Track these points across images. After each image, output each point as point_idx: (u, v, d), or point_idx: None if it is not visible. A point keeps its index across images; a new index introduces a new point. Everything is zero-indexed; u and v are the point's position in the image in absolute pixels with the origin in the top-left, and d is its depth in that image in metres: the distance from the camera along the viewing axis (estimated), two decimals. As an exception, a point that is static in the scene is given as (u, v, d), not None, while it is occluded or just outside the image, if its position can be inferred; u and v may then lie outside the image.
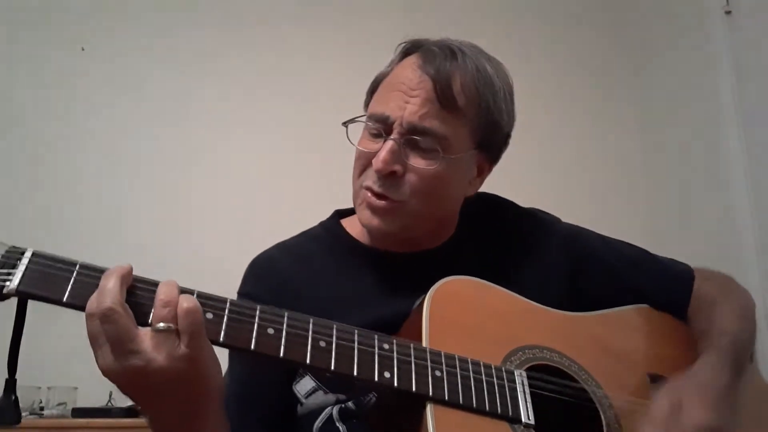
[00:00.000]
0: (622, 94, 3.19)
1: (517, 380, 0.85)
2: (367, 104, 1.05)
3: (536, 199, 1.21)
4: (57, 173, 2.71)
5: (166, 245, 2.63)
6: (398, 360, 0.79)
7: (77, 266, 0.70)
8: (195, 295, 0.72)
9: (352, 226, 1.09)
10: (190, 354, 0.69)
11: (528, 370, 0.88)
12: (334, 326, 0.78)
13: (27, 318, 0.72)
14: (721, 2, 2.59)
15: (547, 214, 1.17)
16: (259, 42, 2.97)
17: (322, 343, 0.76)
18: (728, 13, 2.57)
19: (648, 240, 1.28)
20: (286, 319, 0.76)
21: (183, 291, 0.72)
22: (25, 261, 0.69)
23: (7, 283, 0.67)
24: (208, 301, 0.73)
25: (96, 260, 0.72)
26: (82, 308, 0.68)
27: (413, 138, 0.95)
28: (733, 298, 1.08)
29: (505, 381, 0.84)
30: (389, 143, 0.95)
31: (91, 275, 0.70)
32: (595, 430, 0.89)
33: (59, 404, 2.35)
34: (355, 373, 0.76)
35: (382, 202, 0.96)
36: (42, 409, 2.33)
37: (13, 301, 0.69)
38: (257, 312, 0.75)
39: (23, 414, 2.19)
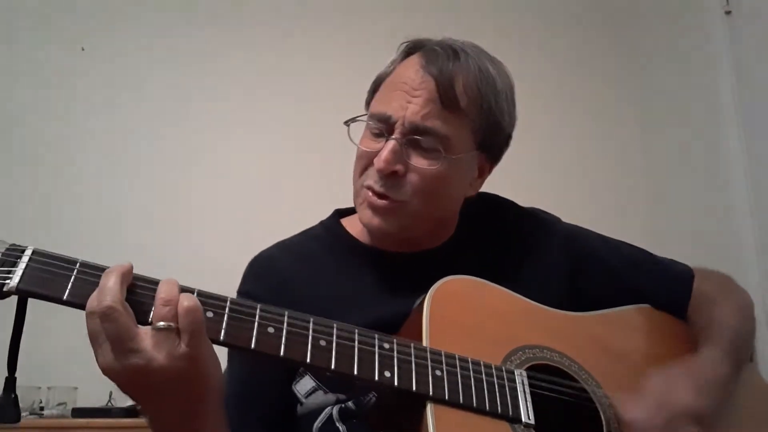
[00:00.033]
0: (622, 94, 3.19)
1: (518, 380, 0.85)
2: (368, 103, 1.05)
3: (536, 199, 1.21)
4: (57, 173, 2.71)
5: (166, 245, 2.63)
6: (398, 359, 0.79)
7: (77, 264, 0.70)
8: (195, 294, 0.72)
9: (352, 225, 1.09)
10: (190, 353, 0.69)
11: (528, 369, 0.88)
12: (335, 325, 0.78)
13: (27, 317, 0.72)
14: (721, 2, 2.59)
15: (548, 214, 1.17)
16: (259, 42, 2.97)
17: (323, 342, 0.76)
18: (728, 13, 2.58)
19: (648, 240, 1.28)
20: (286, 318, 0.76)
21: (183, 290, 0.72)
22: (25, 259, 0.69)
23: (7, 281, 0.67)
24: (208, 299, 0.73)
25: (96, 259, 0.72)
26: (82, 307, 0.68)
27: (415, 138, 0.95)
28: (732, 296, 1.08)
29: (506, 380, 0.84)
30: (391, 143, 0.95)
31: (92, 273, 0.70)
32: (594, 429, 0.89)
33: (59, 404, 2.35)
34: (355, 373, 0.76)
35: (383, 202, 0.96)
36: (42, 409, 2.33)
37: (13, 300, 0.69)
38: (257, 311, 0.75)
39: (23, 414, 2.20)
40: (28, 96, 2.74)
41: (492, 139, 1.02)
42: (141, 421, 1.93)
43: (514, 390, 0.84)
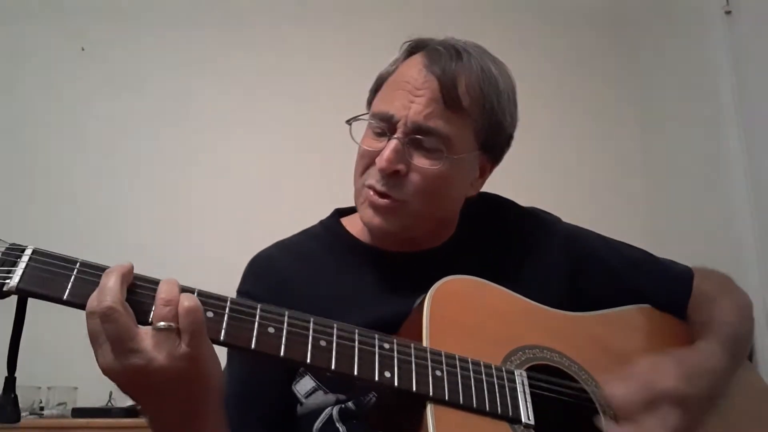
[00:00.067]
0: (622, 94, 3.20)
1: (517, 380, 0.85)
2: (369, 103, 1.05)
3: (536, 199, 1.21)
4: (57, 172, 2.71)
5: (166, 245, 2.63)
6: (399, 360, 0.79)
7: (78, 264, 0.70)
8: (196, 294, 0.72)
9: (352, 224, 1.09)
10: (190, 353, 0.68)
11: (528, 370, 0.88)
12: (335, 325, 0.78)
13: (27, 317, 0.71)
14: (721, 2, 2.59)
15: (548, 213, 1.17)
16: (259, 42, 2.97)
17: (323, 343, 0.76)
18: (728, 13, 2.58)
19: (648, 240, 1.28)
20: (286, 318, 0.76)
21: (184, 289, 0.71)
22: (25, 259, 0.68)
23: (7, 281, 0.67)
24: (208, 299, 0.73)
25: (96, 259, 0.72)
26: (82, 307, 0.68)
27: (417, 137, 0.95)
28: (732, 295, 1.09)
29: (505, 381, 0.84)
30: (393, 142, 0.95)
31: (92, 273, 0.70)
32: (594, 429, 0.89)
33: (59, 404, 2.36)
34: (355, 373, 0.76)
35: (384, 201, 0.96)
36: (42, 409, 2.33)
37: (13, 299, 0.69)
38: (258, 311, 0.75)
39: (23, 414, 2.20)
40: (28, 96, 2.75)
41: (494, 139, 1.02)
42: (141, 421, 1.93)
43: (514, 390, 0.84)
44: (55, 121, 2.75)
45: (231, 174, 2.82)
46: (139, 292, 0.71)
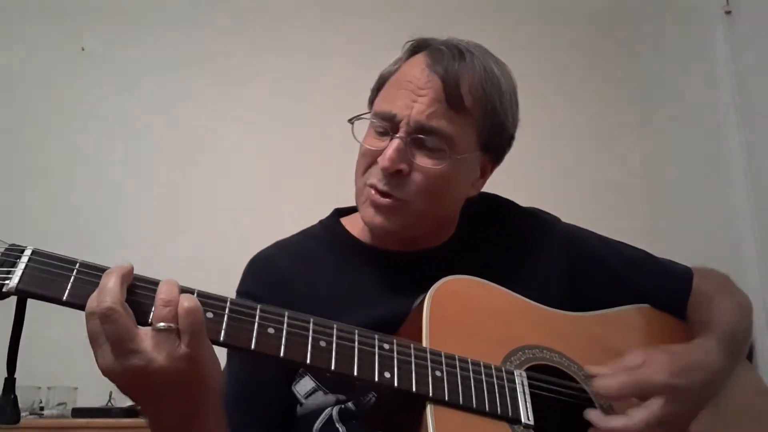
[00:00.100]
0: (622, 93, 3.19)
1: (517, 380, 0.85)
2: (371, 102, 1.05)
3: (536, 199, 1.21)
4: (57, 173, 2.71)
5: (165, 245, 2.63)
6: (398, 360, 0.79)
7: (77, 265, 0.70)
8: (195, 295, 0.72)
9: (352, 224, 1.09)
10: (190, 354, 0.68)
11: (528, 370, 0.88)
12: (335, 326, 0.78)
13: (27, 317, 0.71)
14: (721, 2, 2.59)
15: (547, 213, 1.17)
16: (259, 42, 2.97)
17: (323, 343, 0.76)
18: (728, 13, 2.57)
19: (648, 240, 1.28)
20: (286, 318, 0.76)
21: (183, 290, 0.71)
22: (24, 259, 0.68)
23: (7, 281, 0.67)
24: (208, 300, 0.73)
25: (96, 260, 0.72)
26: (82, 307, 0.68)
27: (419, 137, 0.95)
28: (730, 295, 1.09)
29: (505, 381, 0.84)
30: (396, 141, 0.95)
31: (92, 274, 0.70)
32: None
33: (59, 404, 2.35)
34: (355, 373, 0.76)
35: (386, 201, 0.96)
36: (42, 409, 2.33)
37: (13, 300, 0.69)
38: (257, 311, 0.75)
39: (23, 414, 2.19)
40: (28, 96, 2.75)
41: (496, 139, 1.02)
42: (141, 421, 1.93)
43: (513, 390, 0.84)
44: (55, 121, 2.75)
45: (231, 174, 2.82)
46: (138, 292, 0.71)
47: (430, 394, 0.78)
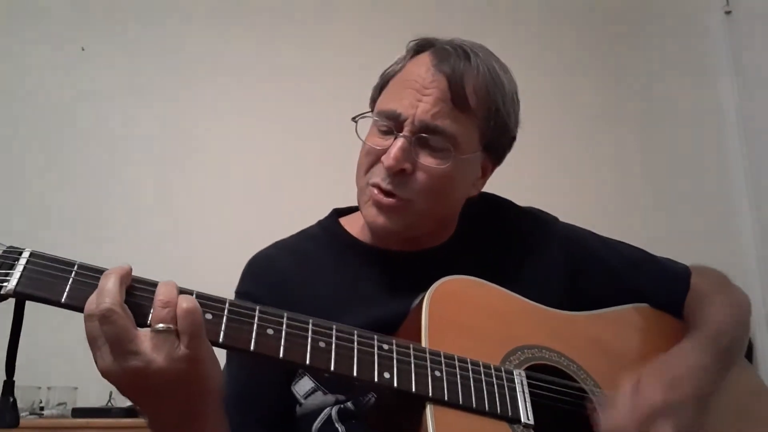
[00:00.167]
0: (622, 94, 3.19)
1: (516, 380, 0.85)
2: (373, 100, 1.05)
3: (536, 199, 1.21)
4: (56, 173, 2.71)
5: (164, 246, 2.63)
6: (398, 360, 0.79)
7: (75, 267, 0.70)
8: (194, 296, 0.72)
9: (351, 224, 1.09)
10: (189, 355, 0.68)
11: (527, 369, 0.88)
12: (334, 327, 0.78)
13: (27, 318, 0.71)
14: (721, 2, 2.59)
15: (546, 213, 1.17)
16: (260, 41, 2.97)
17: (322, 344, 0.76)
18: (728, 13, 2.58)
19: (648, 240, 1.28)
20: (285, 319, 0.76)
21: (182, 291, 0.71)
22: (22, 261, 0.68)
23: (5, 284, 0.66)
24: (207, 301, 0.73)
25: (94, 261, 0.72)
26: (80, 309, 0.68)
27: (424, 136, 0.95)
28: (724, 293, 1.09)
29: (504, 381, 0.84)
30: (400, 140, 0.94)
31: (90, 276, 0.70)
32: (593, 428, 0.89)
33: (59, 404, 2.35)
34: (354, 374, 0.76)
35: (390, 200, 0.96)
36: (42, 409, 2.32)
37: (11, 302, 0.69)
38: (257, 312, 0.74)
39: (23, 414, 2.19)
40: (28, 96, 2.74)
41: (498, 140, 1.02)
42: (141, 421, 1.92)
43: (513, 390, 0.84)
44: (55, 121, 2.75)
45: (231, 174, 2.81)
46: (137, 294, 0.70)
47: (430, 395, 0.78)
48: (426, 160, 0.95)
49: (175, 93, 2.85)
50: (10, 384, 0.71)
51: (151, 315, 0.69)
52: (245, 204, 2.76)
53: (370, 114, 1.02)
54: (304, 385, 0.95)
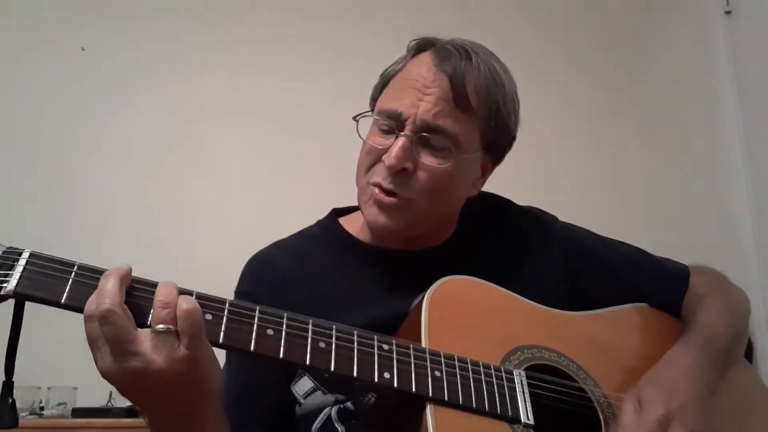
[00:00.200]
0: (622, 94, 3.19)
1: (516, 380, 0.85)
2: (373, 100, 1.05)
3: (536, 199, 1.21)
4: (56, 173, 2.71)
5: (165, 245, 2.63)
6: (398, 360, 0.79)
7: (75, 267, 0.70)
8: (194, 296, 0.72)
9: (350, 224, 1.09)
10: (189, 355, 0.68)
11: (527, 369, 0.88)
12: (334, 327, 0.78)
13: (27, 317, 0.71)
14: (721, 2, 2.59)
15: (546, 212, 1.17)
16: (260, 41, 2.97)
17: (322, 344, 0.76)
18: (728, 13, 2.58)
19: (648, 240, 1.28)
20: (285, 319, 0.76)
21: (182, 292, 0.71)
22: (22, 262, 0.68)
23: (5, 284, 0.66)
24: (207, 302, 0.73)
25: (94, 262, 0.72)
26: (80, 310, 0.68)
27: (425, 136, 0.95)
28: (723, 293, 1.09)
29: (504, 381, 0.84)
30: (402, 139, 0.94)
31: (90, 276, 0.70)
32: (593, 429, 0.89)
33: (59, 404, 2.35)
34: (354, 374, 0.76)
35: (391, 199, 0.96)
36: (42, 409, 2.32)
37: (10, 303, 0.69)
38: (257, 313, 0.74)
39: (23, 414, 2.19)
40: (28, 96, 2.74)
41: (498, 140, 1.02)
42: (141, 421, 1.92)
43: (513, 390, 0.84)
44: (55, 121, 2.75)
45: (231, 174, 2.81)
46: (137, 294, 0.70)
47: (430, 395, 0.78)
48: (427, 159, 0.95)
49: (175, 93, 2.85)
50: (9, 385, 0.71)
51: (151, 316, 0.69)
52: (245, 204, 2.76)
53: (370, 113, 1.02)
54: (303, 385, 0.95)
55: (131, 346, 0.66)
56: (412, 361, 0.80)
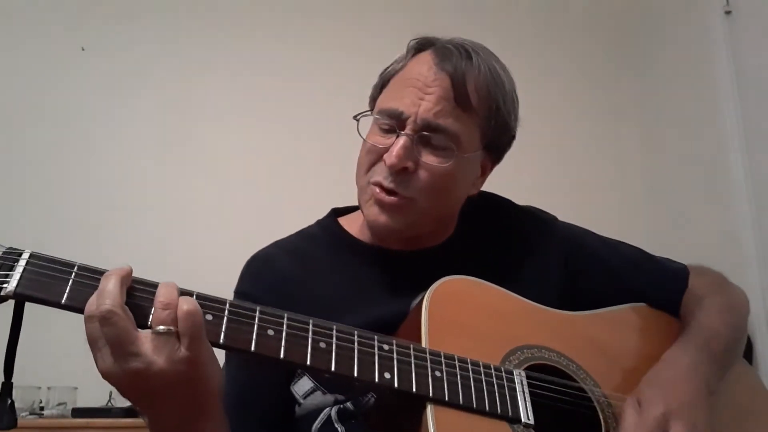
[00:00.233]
0: (622, 94, 3.20)
1: (516, 380, 0.85)
2: (373, 99, 1.05)
3: (536, 199, 1.21)
4: (56, 173, 2.71)
5: (165, 245, 2.63)
6: (398, 361, 0.79)
7: (75, 268, 0.70)
8: (194, 297, 0.72)
9: (350, 224, 1.09)
10: (190, 356, 0.68)
11: (527, 369, 0.88)
12: (334, 327, 0.78)
13: (27, 318, 0.71)
14: (721, 2, 2.59)
15: (545, 212, 1.17)
16: (260, 41, 2.97)
17: (322, 345, 0.76)
18: (728, 13, 2.58)
19: (648, 240, 1.28)
20: (285, 320, 0.76)
21: (182, 292, 0.71)
22: (22, 263, 0.68)
23: (5, 285, 0.66)
24: (207, 302, 0.73)
25: (94, 262, 0.72)
26: (80, 311, 0.67)
27: (426, 135, 0.95)
28: (722, 293, 1.09)
29: (505, 381, 0.84)
30: (402, 139, 0.94)
31: (90, 277, 0.69)
32: (593, 428, 0.89)
33: (59, 404, 2.35)
34: (355, 374, 0.76)
35: (392, 198, 0.96)
36: (42, 409, 2.32)
37: (10, 303, 0.68)
38: (257, 313, 0.74)
39: (23, 414, 2.19)
40: (28, 96, 2.74)
41: (498, 139, 1.02)
42: (141, 421, 1.92)
43: (513, 390, 0.84)
44: (55, 121, 2.75)
45: (231, 174, 2.82)
46: (137, 295, 0.70)
47: (430, 395, 0.78)
48: (428, 158, 0.95)
49: (175, 93, 2.85)
50: (8, 386, 0.70)
51: (151, 316, 0.69)
52: (245, 204, 2.76)
53: (371, 113, 1.02)
54: (303, 385, 0.95)
55: (132, 347, 0.66)
56: (413, 361, 0.80)
